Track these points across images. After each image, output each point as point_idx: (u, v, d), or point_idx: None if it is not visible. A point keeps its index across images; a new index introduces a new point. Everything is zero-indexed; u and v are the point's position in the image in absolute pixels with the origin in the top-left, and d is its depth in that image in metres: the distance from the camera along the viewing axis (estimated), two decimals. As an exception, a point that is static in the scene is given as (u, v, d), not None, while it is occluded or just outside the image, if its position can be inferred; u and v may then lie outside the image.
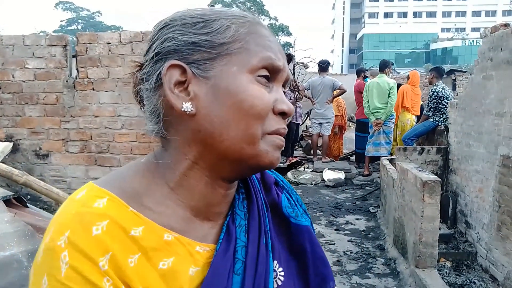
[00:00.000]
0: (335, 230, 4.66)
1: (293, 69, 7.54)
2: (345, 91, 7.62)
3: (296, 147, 10.27)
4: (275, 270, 0.64)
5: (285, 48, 8.43)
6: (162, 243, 0.55)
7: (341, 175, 6.79)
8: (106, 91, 5.44)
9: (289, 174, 6.84)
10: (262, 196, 0.69)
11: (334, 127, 7.94)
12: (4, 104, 5.50)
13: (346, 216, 5.17)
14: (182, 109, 0.56)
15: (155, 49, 0.59)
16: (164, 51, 0.58)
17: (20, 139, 5.59)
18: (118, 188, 0.56)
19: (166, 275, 0.53)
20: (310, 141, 8.50)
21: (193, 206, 0.60)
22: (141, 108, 0.65)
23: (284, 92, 0.65)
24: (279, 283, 0.64)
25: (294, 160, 7.43)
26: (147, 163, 0.62)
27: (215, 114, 0.56)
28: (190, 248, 0.58)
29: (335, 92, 7.49)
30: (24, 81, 5.50)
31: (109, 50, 5.42)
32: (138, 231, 0.53)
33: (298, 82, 7.63)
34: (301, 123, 8.85)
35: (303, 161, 7.67)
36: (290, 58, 7.98)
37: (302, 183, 6.66)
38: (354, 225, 4.85)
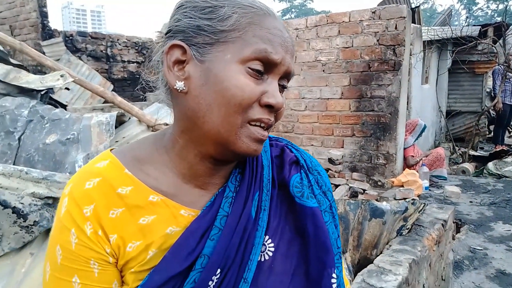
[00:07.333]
0: (537, 236, 3.84)
1: (504, 40, 6.32)
2: None
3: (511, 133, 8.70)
4: (264, 245, 0.66)
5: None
6: (147, 203, 0.63)
7: None
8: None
9: (490, 164, 5.90)
10: (268, 172, 0.71)
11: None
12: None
13: (559, 221, 4.17)
14: (175, 87, 0.62)
15: (168, 27, 0.65)
16: (174, 30, 0.63)
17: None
18: (123, 154, 0.67)
19: (144, 229, 0.61)
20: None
21: (184, 174, 0.66)
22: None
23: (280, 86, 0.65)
24: (266, 257, 0.66)
25: (500, 148, 6.35)
26: (157, 135, 0.71)
27: (202, 97, 0.60)
28: (174, 211, 0.64)
29: None
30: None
31: (297, 36, 5.71)
32: (126, 190, 0.62)
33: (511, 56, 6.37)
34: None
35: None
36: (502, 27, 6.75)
37: (507, 176, 5.65)
38: None
